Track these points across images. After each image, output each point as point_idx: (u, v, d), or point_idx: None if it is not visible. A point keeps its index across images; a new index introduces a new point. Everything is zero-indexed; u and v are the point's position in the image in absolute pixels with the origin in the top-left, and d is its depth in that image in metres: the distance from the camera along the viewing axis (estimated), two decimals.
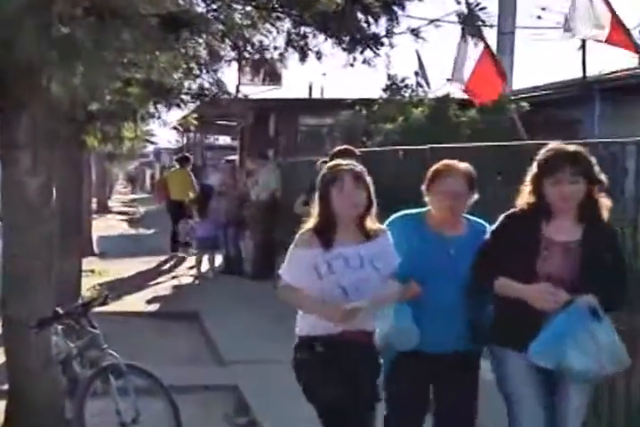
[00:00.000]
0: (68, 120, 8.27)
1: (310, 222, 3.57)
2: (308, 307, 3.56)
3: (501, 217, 3.65)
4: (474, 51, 10.37)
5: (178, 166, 15.08)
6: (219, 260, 12.78)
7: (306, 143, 14.30)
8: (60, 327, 5.04)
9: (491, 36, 11.52)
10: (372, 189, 3.59)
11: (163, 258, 14.54)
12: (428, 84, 12.56)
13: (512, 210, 3.63)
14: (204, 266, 12.43)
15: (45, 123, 4.89)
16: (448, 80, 11.82)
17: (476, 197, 3.75)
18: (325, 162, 8.30)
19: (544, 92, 12.36)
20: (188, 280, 12.24)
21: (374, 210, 3.65)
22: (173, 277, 12.28)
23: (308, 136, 14.65)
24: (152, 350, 7.41)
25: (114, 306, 8.56)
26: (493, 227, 3.67)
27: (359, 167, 3.58)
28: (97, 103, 8.20)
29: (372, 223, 3.63)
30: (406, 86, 12.48)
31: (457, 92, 11.20)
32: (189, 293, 10.88)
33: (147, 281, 11.92)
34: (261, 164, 11.91)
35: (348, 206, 3.50)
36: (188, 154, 17.07)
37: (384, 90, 12.46)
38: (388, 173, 7.32)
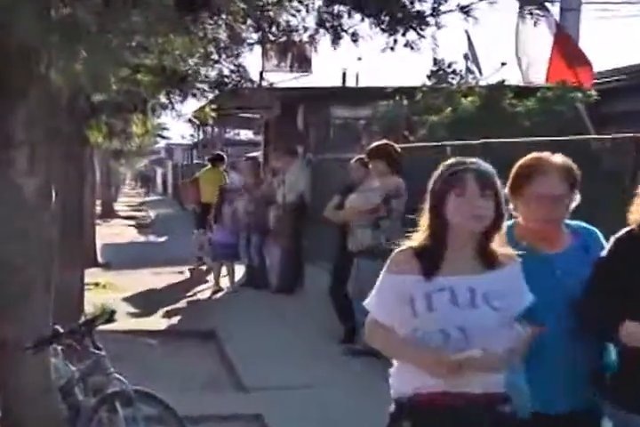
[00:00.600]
0: (70, 113, 8.28)
1: (413, 238, 3.08)
2: (403, 354, 3.06)
3: (613, 239, 3.21)
4: (538, 31, 10.34)
5: (210, 166, 15.18)
6: (239, 271, 12.69)
7: (339, 138, 14.35)
8: (59, 348, 5.04)
9: (552, 13, 11.61)
10: (502, 196, 3.07)
11: (176, 269, 14.47)
12: (479, 69, 12.56)
13: (627, 229, 3.17)
14: (223, 278, 12.36)
15: (44, 116, 4.87)
16: (503, 64, 11.73)
17: (578, 198, 3.29)
18: (361, 160, 8.40)
19: (615, 77, 12.23)
20: (204, 295, 12.20)
21: (504, 226, 3.12)
22: (188, 292, 12.33)
23: (341, 130, 14.73)
24: (164, 374, 7.42)
25: (121, 324, 8.50)
26: (604, 253, 3.20)
27: (487, 167, 3.07)
28: (102, 93, 8.02)
29: (498, 245, 3.09)
30: (454, 72, 12.34)
31: (512, 78, 11.33)
32: (206, 309, 10.90)
33: (158, 296, 11.97)
34: (289, 161, 11.85)
35: (468, 219, 2.98)
36: (221, 152, 17.19)
37: (429, 77, 12.34)
38: (433, 173, 7.46)
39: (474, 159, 3.08)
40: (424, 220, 3.06)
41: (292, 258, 11.65)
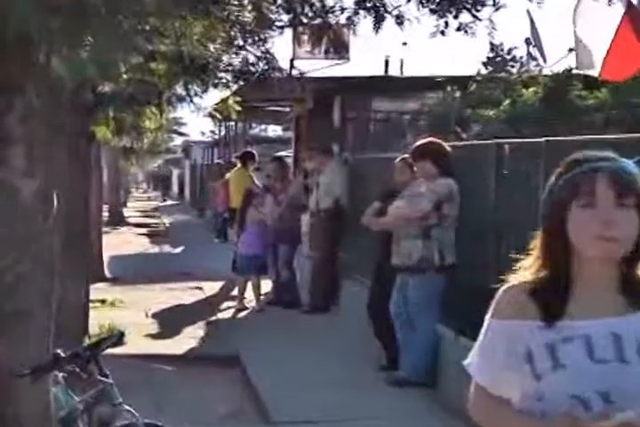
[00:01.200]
0: (73, 106, 8.27)
1: (522, 272, 2.58)
2: None
3: None
4: (608, 12, 10.23)
5: (240, 165, 15.29)
6: (266, 287, 12.69)
7: (381, 135, 14.36)
8: (61, 376, 5.03)
9: None
10: None
11: (194, 284, 14.58)
12: (543, 56, 12.44)
13: None
14: (248, 295, 12.35)
15: (44, 110, 4.92)
16: (570, 51, 11.57)
17: None
18: (405, 160, 8.47)
19: None
20: (226, 314, 12.18)
21: None
22: (208, 310, 12.21)
23: (383, 126, 14.74)
24: (180, 406, 7.44)
25: (131, 347, 8.64)
26: None
27: (627, 165, 2.50)
28: (110, 84, 8.15)
29: None
30: (514, 59, 12.33)
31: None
32: (228, 330, 10.91)
33: (174, 315, 11.98)
34: (323, 161, 11.86)
35: (600, 239, 2.42)
36: (251, 149, 17.34)
37: (485, 64, 12.36)
38: (489, 175, 7.16)
39: (607, 153, 2.53)
40: (538, 242, 2.53)
41: (327, 272, 11.57)
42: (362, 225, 8.74)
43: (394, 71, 20.56)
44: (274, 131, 37.17)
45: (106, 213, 26.39)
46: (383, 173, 9.70)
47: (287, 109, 19.28)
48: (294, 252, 12.54)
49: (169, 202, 49.14)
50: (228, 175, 17.16)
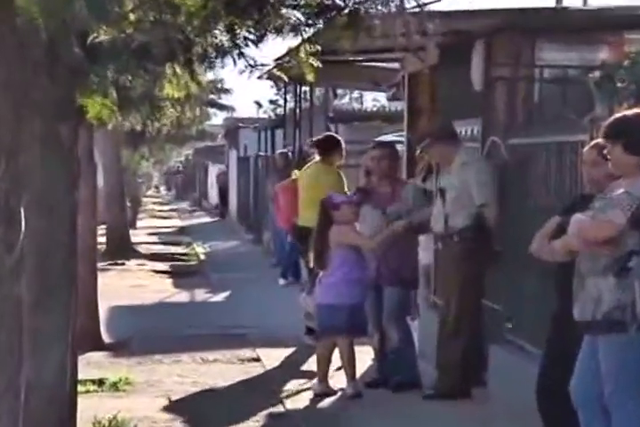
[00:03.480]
0: (51, 69, 8.68)
1: None
2: None
3: None
4: None
5: (318, 157, 15.63)
6: (365, 357, 12.66)
7: (552, 104, 14.46)
8: None
9: None
10: None
11: (245, 353, 14.91)
12: None
13: None
14: (334, 370, 12.30)
15: (3, 76, 5.45)
16: None
17: None
18: (597, 146, 8.51)
19: None
20: (299, 400, 12.19)
21: None
22: (270, 395, 12.37)
23: (556, 89, 14.95)
24: None
25: None
26: None
27: None
28: (109, 30, 8.27)
29: None
30: None
31: None
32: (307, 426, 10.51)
33: (216, 403, 12.27)
34: (451, 153, 11.97)
35: None
36: (334, 133, 17.65)
37: None
38: None
39: None
40: None
41: (465, 333, 11.47)
42: (524, 255, 8.75)
43: (573, 1, 20.32)
44: (374, 101, 37.23)
45: (102, 239, 26.96)
46: (561, 168, 9.81)
47: (396, 66, 19.67)
48: (409, 299, 12.42)
49: (203, 217, 49.35)
50: (295, 174, 17.15)
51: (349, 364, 12.02)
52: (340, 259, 12.32)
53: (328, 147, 15.28)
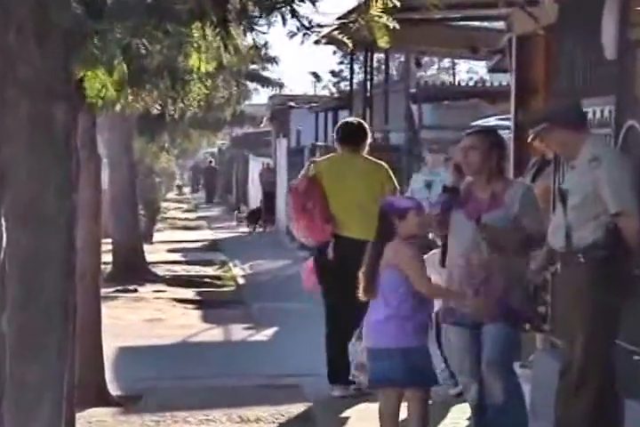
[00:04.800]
0: (39, 34, 8.30)
1: None
2: None
3: None
4: None
5: (347, 147, 14.18)
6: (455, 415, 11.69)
7: None
8: None
9: None
10: None
11: (298, 409, 13.45)
12: None
13: None
14: None
15: None
16: None
17: None
18: None
19: None
20: None
21: None
22: None
23: None
24: None
25: None
26: None
27: None
28: None
29: None
30: None
31: None
32: None
33: None
34: (576, 140, 10.54)
35: None
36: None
37: None
38: None
39: None
40: None
41: (593, 385, 10.40)
42: None
43: None
44: (470, 73, 36.77)
45: (108, 258, 24.97)
46: None
47: (500, 26, 18.75)
48: (518, 339, 11.40)
49: (241, 228, 46.10)
50: (311, 168, 14.84)
51: (423, 421, 11.17)
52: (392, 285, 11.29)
53: (362, 134, 14.71)
